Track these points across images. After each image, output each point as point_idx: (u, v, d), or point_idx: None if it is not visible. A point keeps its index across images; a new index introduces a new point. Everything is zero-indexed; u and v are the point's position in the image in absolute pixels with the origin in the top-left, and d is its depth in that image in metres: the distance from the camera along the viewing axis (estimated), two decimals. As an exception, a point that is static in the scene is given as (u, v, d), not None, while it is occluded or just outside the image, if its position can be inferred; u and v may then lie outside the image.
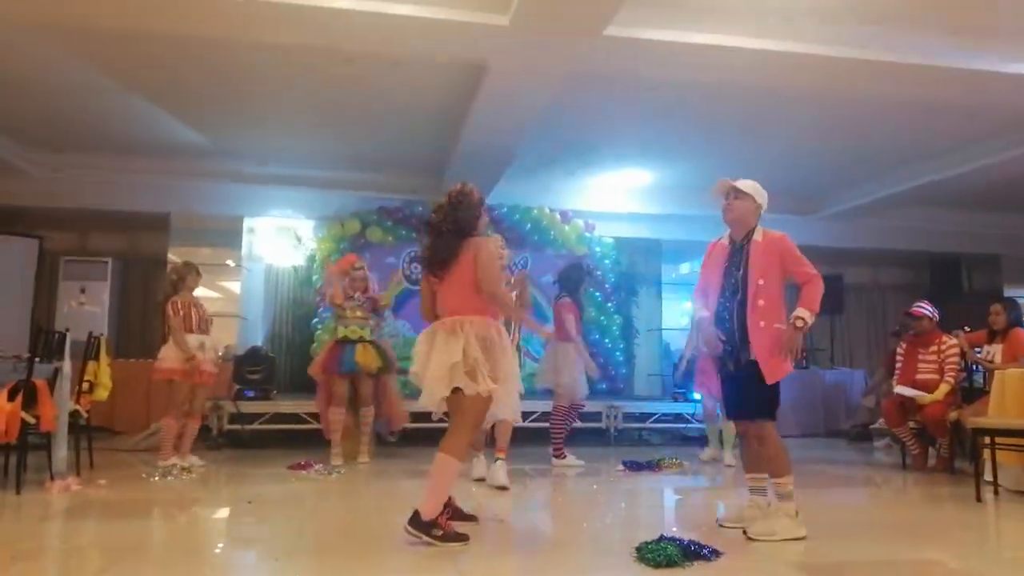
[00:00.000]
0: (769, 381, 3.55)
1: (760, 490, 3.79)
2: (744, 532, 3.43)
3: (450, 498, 3.52)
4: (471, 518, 3.66)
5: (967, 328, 6.34)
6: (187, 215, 8.56)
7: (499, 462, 4.97)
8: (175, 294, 5.63)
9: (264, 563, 3.10)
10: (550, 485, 5.03)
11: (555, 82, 5.76)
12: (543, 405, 6.51)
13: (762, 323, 3.56)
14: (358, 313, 6.00)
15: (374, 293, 6.20)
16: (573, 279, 6.17)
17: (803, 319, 3.50)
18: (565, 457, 5.97)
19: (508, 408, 3.53)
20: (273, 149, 7.97)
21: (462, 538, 3.27)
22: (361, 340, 5.94)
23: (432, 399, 3.39)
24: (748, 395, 3.64)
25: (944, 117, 6.83)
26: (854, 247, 10.36)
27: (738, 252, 3.71)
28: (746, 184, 3.74)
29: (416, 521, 3.23)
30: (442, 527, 3.25)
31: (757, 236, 3.68)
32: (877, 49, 5.32)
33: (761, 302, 3.58)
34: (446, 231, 3.51)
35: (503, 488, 4.78)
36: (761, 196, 3.75)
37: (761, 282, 3.59)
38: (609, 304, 9.16)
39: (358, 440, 6.07)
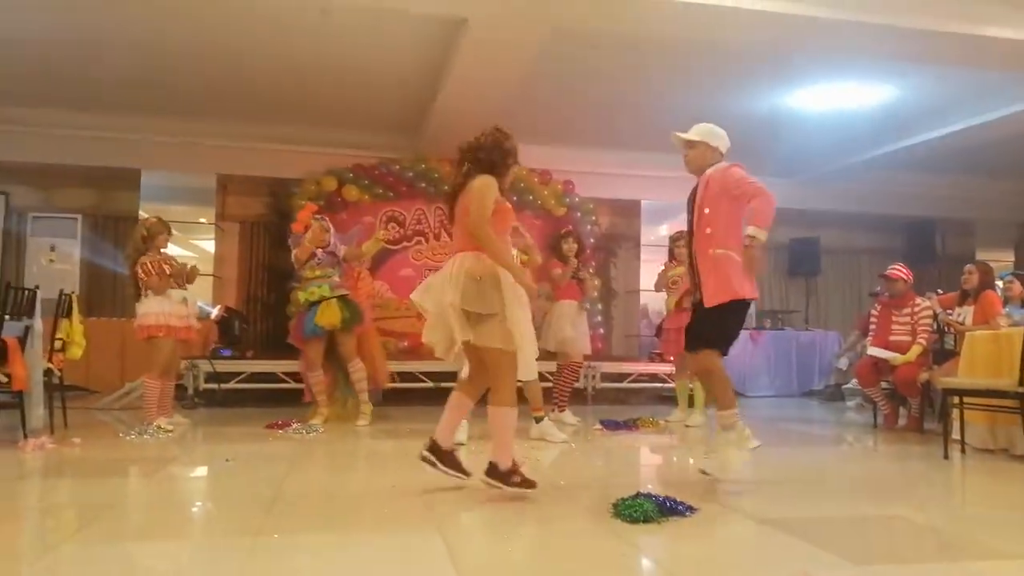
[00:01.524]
0: (707, 303, 3.62)
1: (729, 426, 3.82)
2: (701, 471, 3.53)
3: (453, 450, 3.57)
4: (463, 474, 3.55)
5: (940, 291, 6.44)
6: (159, 172, 8.39)
7: (545, 420, 5.26)
8: (144, 252, 5.42)
9: (243, 521, 3.11)
10: (530, 444, 5.07)
11: (536, 39, 5.67)
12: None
13: (710, 251, 3.64)
14: (317, 272, 5.80)
15: (335, 248, 5.95)
16: (555, 247, 6.20)
17: (751, 236, 3.55)
18: (564, 411, 6.07)
19: (525, 368, 3.44)
20: (247, 105, 7.80)
21: (532, 484, 3.33)
22: (322, 299, 5.77)
23: (438, 348, 3.36)
24: (695, 324, 3.73)
25: (924, 81, 6.85)
26: (831, 210, 10.44)
27: (694, 191, 3.82)
28: (695, 131, 3.80)
29: (494, 472, 3.28)
30: (519, 474, 3.31)
31: (708, 172, 3.76)
32: (859, 10, 5.28)
33: (708, 230, 3.67)
34: (462, 163, 3.45)
35: (563, 441, 5.12)
36: (714, 137, 3.78)
37: (706, 211, 3.68)
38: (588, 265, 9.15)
39: (346, 402, 6.01)
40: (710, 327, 3.65)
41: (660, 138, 8.56)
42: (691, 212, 3.84)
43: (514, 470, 3.30)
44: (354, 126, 8.49)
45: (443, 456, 3.53)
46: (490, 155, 3.42)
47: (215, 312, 6.67)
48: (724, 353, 3.68)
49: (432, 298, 3.33)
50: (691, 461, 4.32)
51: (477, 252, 3.29)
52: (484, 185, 3.34)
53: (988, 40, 5.57)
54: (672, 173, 8.98)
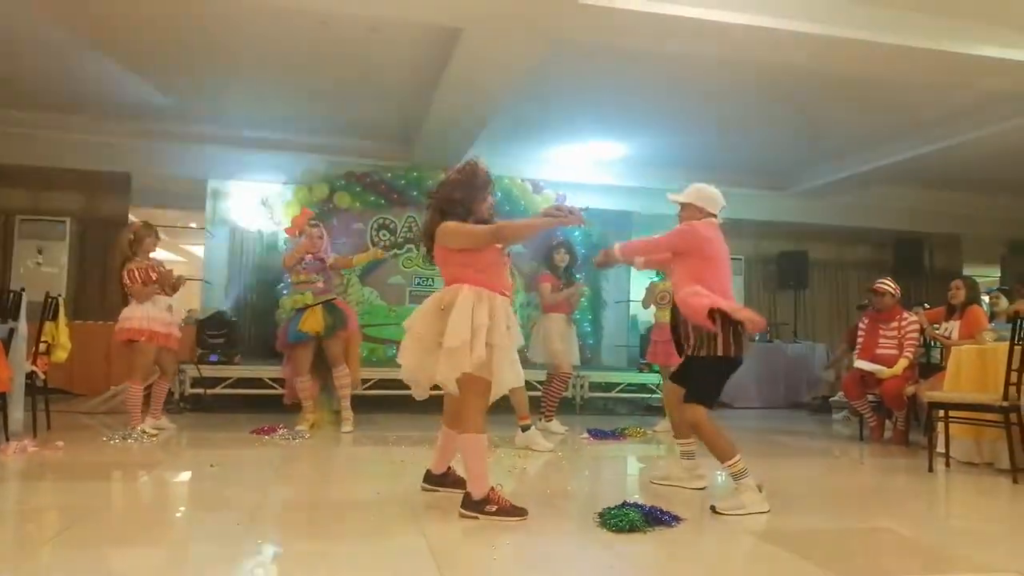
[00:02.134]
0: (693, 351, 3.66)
1: (688, 454, 4.02)
2: (712, 507, 3.45)
3: (450, 468, 3.60)
4: (460, 485, 3.49)
5: (927, 305, 6.48)
6: (149, 176, 8.36)
7: (531, 429, 5.30)
8: (131, 257, 5.37)
9: (226, 527, 3.08)
10: (515, 453, 5.07)
11: (529, 51, 5.70)
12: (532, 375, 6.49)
13: (679, 296, 3.70)
14: (301, 278, 5.79)
15: (325, 254, 5.91)
16: (545, 254, 6.24)
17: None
18: (551, 421, 6.09)
19: (512, 378, 3.40)
20: (240, 111, 7.80)
21: (520, 512, 3.19)
22: (305, 306, 5.75)
23: (443, 381, 3.24)
24: (686, 367, 3.77)
25: (911, 98, 6.91)
26: (820, 224, 10.51)
27: None
28: (684, 194, 3.85)
29: (468, 503, 3.20)
30: (496, 502, 3.20)
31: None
32: (848, 26, 5.34)
33: (675, 279, 3.78)
34: (432, 208, 3.43)
35: (548, 450, 5.16)
36: (702, 198, 3.81)
37: (674, 266, 3.79)
38: (579, 275, 9.16)
39: (330, 408, 5.99)
40: (700, 377, 3.64)
41: (653, 150, 8.71)
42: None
43: (489, 498, 3.20)
44: (347, 134, 8.49)
45: (442, 479, 3.63)
46: (465, 194, 3.38)
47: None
48: (710, 407, 3.62)
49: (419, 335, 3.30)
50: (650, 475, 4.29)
51: (458, 285, 3.26)
52: (450, 231, 3.31)
53: (976, 59, 5.63)
54: (664, 185, 9.15)
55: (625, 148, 8.79)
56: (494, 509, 3.18)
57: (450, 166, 3.59)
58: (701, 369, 3.62)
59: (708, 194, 3.82)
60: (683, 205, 3.85)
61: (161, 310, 5.40)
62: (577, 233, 9.20)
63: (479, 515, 3.17)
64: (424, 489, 3.62)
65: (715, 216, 3.80)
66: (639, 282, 10.03)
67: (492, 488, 3.23)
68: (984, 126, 7.34)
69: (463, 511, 3.19)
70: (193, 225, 8.55)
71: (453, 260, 3.33)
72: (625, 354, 9.86)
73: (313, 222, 6.00)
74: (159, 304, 5.39)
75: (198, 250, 8.61)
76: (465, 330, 3.14)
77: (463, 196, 3.38)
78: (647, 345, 6.86)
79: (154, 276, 5.41)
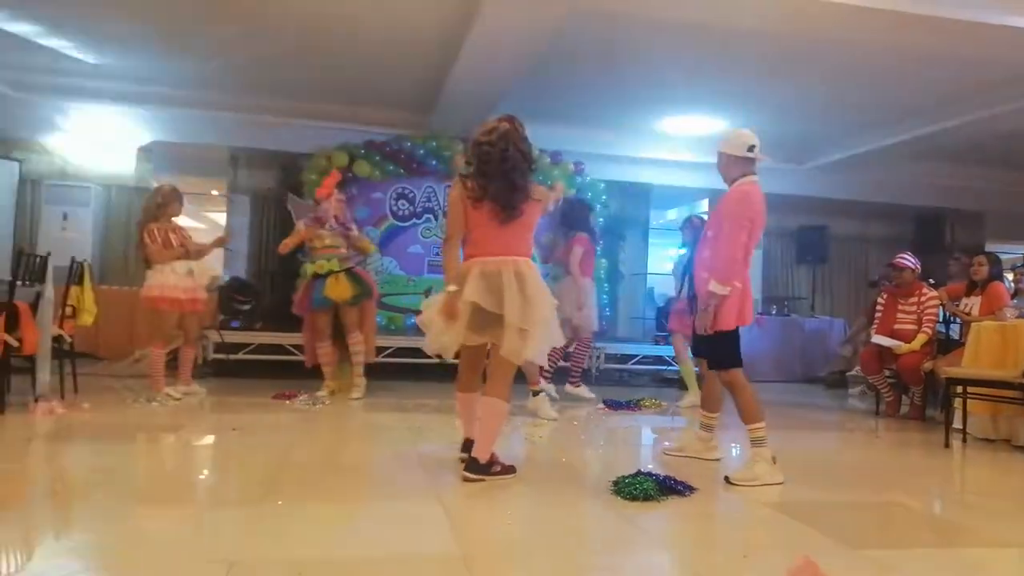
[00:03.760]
0: (698, 330, 3.66)
1: (708, 427, 4.02)
2: (726, 478, 3.48)
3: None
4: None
5: (931, 281, 6.44)
6: (171, 143, 8.41)
7: (541, 395, 5.34)
8: (155, 219, 5.44)
9: (247, 488, 3.16)
10: (531, 421, 5.12)
11: (552, 17, 5.63)
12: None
13: (705, 274, 3.62)
14: (326, 242, 5.79)
15: (347, 222, 5.95)
16: (575, 217, 6.18)
17: (711, 292, 3.52)
18: (579, 387, 6.19)
19: (544, 353, 3.41)
20: (259, 78, 7.80)
21: (511, 469, 3.37)
22: (331, 272, 5.76)
23: (534, 350, 3.26)
24: (704, 344, 3.74)
25: (940, 70, 6.78)
26: (841, 199, 10.38)
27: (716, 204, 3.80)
28: (720, 142, 3.73)
29: (473, 467, 3.25)
30: (497, 462, 3.33)
31: (730, 188, 3.67)
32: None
33: (707, 253, 3.66)
34: (515, 168, 3.30)
35: (552, 420, 5.19)
36: (730, 144, 3.66)
37: (710, 234, 3.67)
38: (596, 247, 9.17)
39: (348, 373, 6.06)
40: (718, 350, 3.65)
41: (673, 121, 8.61)
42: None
43: (493, 460, 3.32)
44: (366, 102, 8.46)
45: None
46: (531, 155, 3.39)
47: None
48: (740, 366, 3.65)
49: (509, 305, 3.21)
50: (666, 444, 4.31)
51: (523, 259, 3.33)
52: (545, 198, 3.44)
53: (1008, 30, 5.50)
54: (683, 157, 9.09)
55: (645, 119, 8.69)
56: (498, 469, 3.33)
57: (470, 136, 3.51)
58: (717, 339, 3.62)
59: (734, 136, 3.68)
60: (718, 156, 3.71)
61: (182, 276, 5.45)
62: (596, 204, 9.20)
63: (486, 477, 3.25)
64: (463, 460, 3.45)
65: (748, 159, 3.63)
66: (656, 255, 10.03)
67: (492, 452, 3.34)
68: (1007, 101, 7.19)
69: (469, 475, 3.24)
70: (215, 192, 8.60)
71: (528, 227, 3.38)
72: (641, 326, 9.89)
73: (338, 192, 6.03)
74: (178, 270, 5.44)
75: (219, 217, 8.67)
76: (552, 307, 3.31)
77: (529, 151, 3.39)
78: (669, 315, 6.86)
79: (175, 241, 5.47)
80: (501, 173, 3.29)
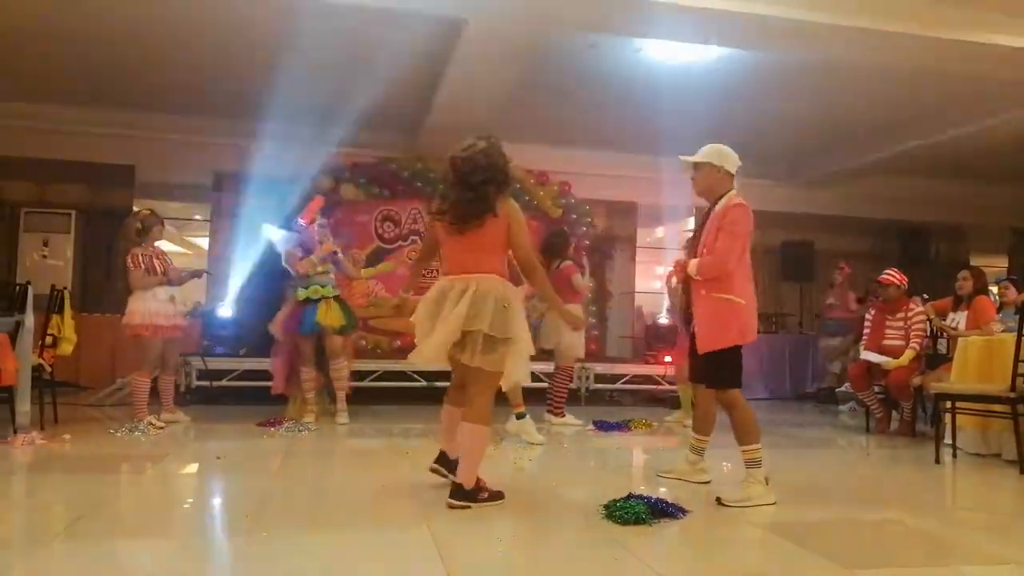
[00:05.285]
0: (700, 351, 3.58)
1: (698, 450, 3.95)
2: (717, 499, 3.43)
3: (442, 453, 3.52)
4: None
5: (925, 296, 6.46)
6: (153, 168, 8.35)
7: (526, 418, 5.25)
8: (138, 244, 5.39)
9: (233, 518, 3.09)
10: (520, 445, 5.07)
11: (536, 40, 5.67)
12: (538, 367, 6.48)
13: (703, 291, 3.57)
14: (319, 268, 5.76)
15: (330, 243, 5.91)
16: (557, 246, 6.16)
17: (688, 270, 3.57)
18: (564, 416, 6.06)
19: (524, 373, 3.37)
20: (243, 101, 7.77)
21: (500, 495, 3.31)
22: (323, 298, 5.74)
23: (432, 356, 3.24)
24: (700, 363, 3.67)
25: (920, 87, 6.86)
26: (826, 214, 10.45)
27: (704, 219, 3.72)
28: (702, 152, 3.67)
29: (458, 493, 3.19)
30: (485, 489, 3.27)
31: (721, 203, 3.61)
32: (858, 15, 5.29)
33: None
34: (479, 182, 3.23)
35: (539, 443, 5.10)
36: (721, 157, 3.63)
37: (705, 251, 3.59)
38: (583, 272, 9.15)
39: (323, 400, 6.01)
40: (716, 369, 3.58)
41: (657, 140, 8.65)
42: (695, 240, 3.78)
43: (480, 487, 3.25)
44: (351, 124, 8.45)
45: (455, 465, 3.49)
46: (503, 171, 3.32)
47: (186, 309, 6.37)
48: (739, 386, 3.60)
49: (442, 321, 3.21)
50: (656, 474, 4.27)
51: (501, 278, 3.26)
52: (519, 211, 3.33)
53: (987, 47, 5.57)
54: (669, 175, 9.10)
55: (630, 137, 8.73)
56: (486, 496, 3.25)
57: None
58: (716, 357, 3.55)
59: (725, 151, 3.65)
60: (698, 165, 3.66)
61: (163, 302, 5.39)
62: (583, 224, 9.21)
63: (472, 504, 3.18)
64: (432, 470, 3.49)
65: (732, 176, 3.64)
66: (644, 273, 10.04)
67: (478, 477, 3.28)
68: (990, 116, 7.30)
69: (453, 501, 3.18)
70: (197, 217, 8.54)
71: (499, 245, 3.30)
72: (630, 345, 9.86)
73: (321, 222, 5.96)
74: (160, 296, 5.38)
75: (202, 242, 8.60)
76: (520, 330, 3.25)
77: (503, 166, 3.32)
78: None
79: (159, 267, 5.41)
80: (460, 183, 3.26)
